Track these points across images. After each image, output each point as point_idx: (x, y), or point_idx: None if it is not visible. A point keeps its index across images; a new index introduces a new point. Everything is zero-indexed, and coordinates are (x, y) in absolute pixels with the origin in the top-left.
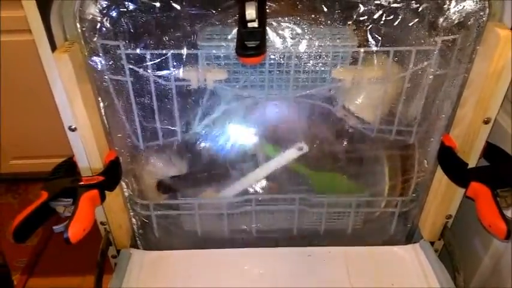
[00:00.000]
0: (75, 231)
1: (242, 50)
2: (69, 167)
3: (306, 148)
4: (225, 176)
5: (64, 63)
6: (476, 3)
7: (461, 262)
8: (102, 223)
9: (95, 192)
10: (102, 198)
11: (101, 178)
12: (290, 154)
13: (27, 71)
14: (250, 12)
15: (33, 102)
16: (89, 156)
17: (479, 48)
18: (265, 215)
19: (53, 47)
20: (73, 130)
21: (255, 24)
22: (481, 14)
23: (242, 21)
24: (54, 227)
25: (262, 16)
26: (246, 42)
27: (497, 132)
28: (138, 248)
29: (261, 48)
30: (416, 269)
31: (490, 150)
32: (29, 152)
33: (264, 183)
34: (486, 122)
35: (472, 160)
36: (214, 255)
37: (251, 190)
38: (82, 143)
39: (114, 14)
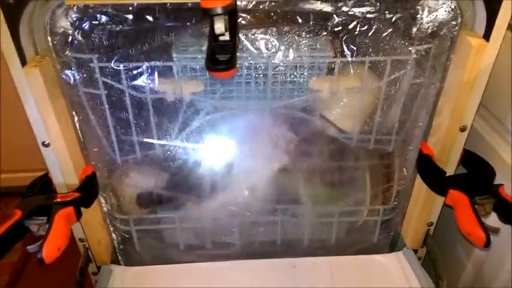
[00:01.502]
0: (49, 251)
1: (212, 63)
2: (45, 183)
3: (286, 159)
4: (206, 188)
5: (35, 78)
6: (448, 13)
7: (444, 269)
8: (80, 240)
9: (70, 209)
10: (78, 215)
11: (77, 194)
12: (270, 165)
13: (8, 83)
14: (219, 26)
15: (15, 115)
16: (64, 172)
17: (453, 57)
18: (248, 227)
19: (23, 61)
20: (47, 146)
21: (226, 38)
22: (453, 23)
23: (212, 35)
24: (28, 247)
25: (233, 29)
26: (216, 56)
27: (476, 140)
28: (119, 264)
29: (231, 61)
30: (400, 277)
31: (468, 157)
32: (11, 166)
33: (245, 195)
34: (462, 130)
35: (450, 168)
36: (197, 269)
37: (233, 202)
38: (56, 158)
39: (86, 26)
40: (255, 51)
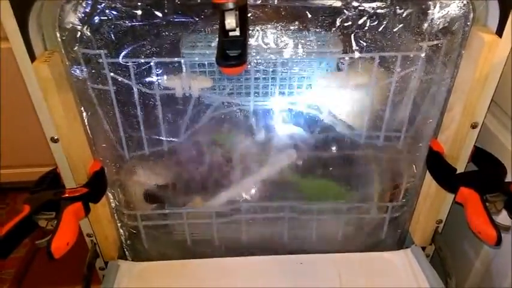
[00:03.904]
0: (58, 246)
1: (222, 59)
2: (53, 178)
3: (294, 156)
4: (214, 184)
5: (44, 74)
6: (460, 8)
7: (452, 267)
8: (88, 235)
9: (78, 204)
10: (87, 210)
11: (85, 190)
12: (279, 162)
13: (13, 78)
14: (230, 21)
15: (21, 110)
16: (73, 168)
17: (465, 53)
18: (255, 223)
19: (32, 57)
20: (55, 141)
21: (237, 33)
22: (465, 19)
23: (223, 30)
24: (37, 242)
25: (243, 24)
26: (227, 51)
27: (486, 137)
28: (126, 259)
29: (242, 57)
30: (408, 275)
31: (479, 154)
32: (17, 161)
33: (253, 191)
34: (473, 127)
35: (461, 165)
36: (204, 264)
37: (240, 198)
38: (65, 154)
39: (95, 22)
40: (264, 47)
